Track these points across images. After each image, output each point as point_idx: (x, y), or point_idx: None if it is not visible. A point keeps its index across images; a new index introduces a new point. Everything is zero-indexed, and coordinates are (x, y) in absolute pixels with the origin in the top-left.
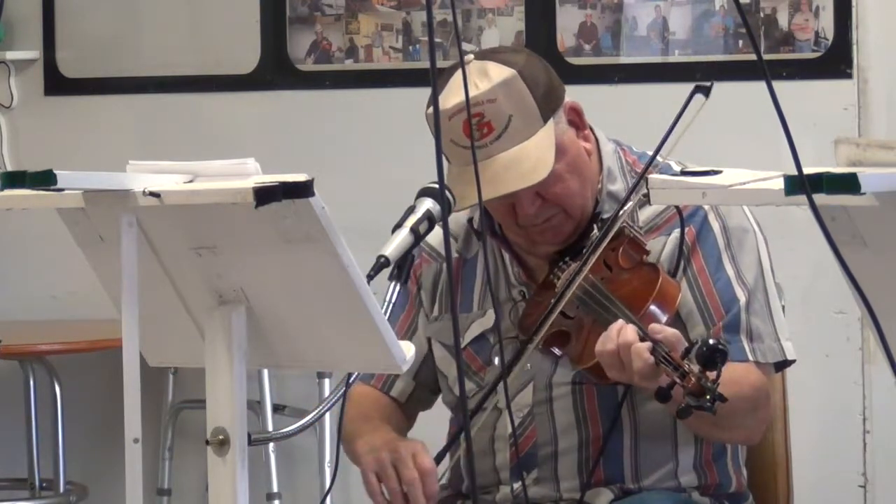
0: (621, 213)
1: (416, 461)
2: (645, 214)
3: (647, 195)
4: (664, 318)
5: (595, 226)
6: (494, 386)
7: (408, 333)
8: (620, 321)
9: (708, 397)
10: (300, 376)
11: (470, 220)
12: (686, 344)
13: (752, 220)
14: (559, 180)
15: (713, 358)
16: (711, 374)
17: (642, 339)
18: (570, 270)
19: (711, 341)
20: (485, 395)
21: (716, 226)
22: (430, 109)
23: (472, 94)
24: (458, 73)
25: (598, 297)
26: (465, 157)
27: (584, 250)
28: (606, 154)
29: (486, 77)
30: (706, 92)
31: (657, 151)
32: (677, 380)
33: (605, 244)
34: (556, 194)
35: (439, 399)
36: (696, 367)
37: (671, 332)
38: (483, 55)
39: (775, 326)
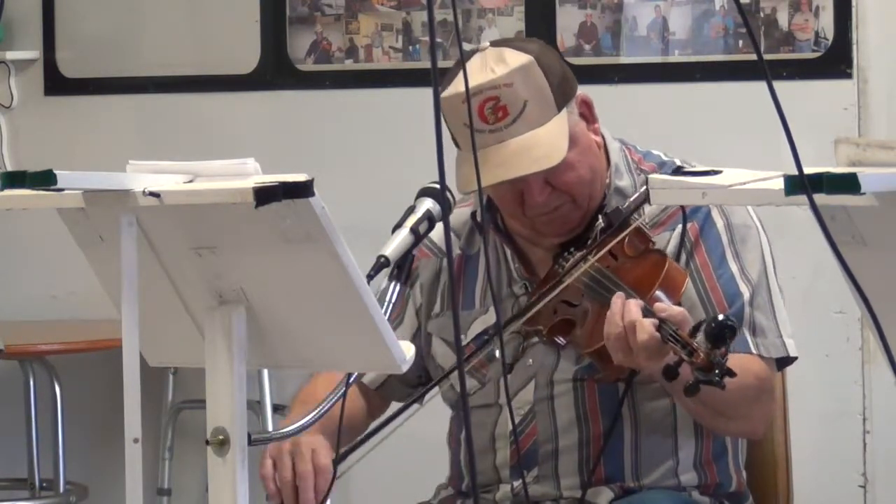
0: (631, 204)
1: (314, 456)
2: (649, 210)
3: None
4: (670, 303)
5: (601, 217)
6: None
7: (393, 324)
8: (620, 297)
9: (717, 371)
10: (300, 376)
11: (473, 213)
12: (692, 322)
13: (754, 217)
14: (570, 169)
15: (722, 334)
16: (720, 350)
17: (647, 317)
18: (575, 258)
19: (720, 317)
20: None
21: (719, 222)
22: (446, 93)
23: (488, 77)
24: (474, 58)
25: (604, 282)
26: (477, 140)
27: (590, 241)
28: (613, 151)
29: (503, 62)
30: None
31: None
32: (685, 357)
33: (619, 236)
34: (566, 182)
35: (439, 398)
36: (704, 344)
37: (677, 310)
38: (499, 43)
39: (778, 323)
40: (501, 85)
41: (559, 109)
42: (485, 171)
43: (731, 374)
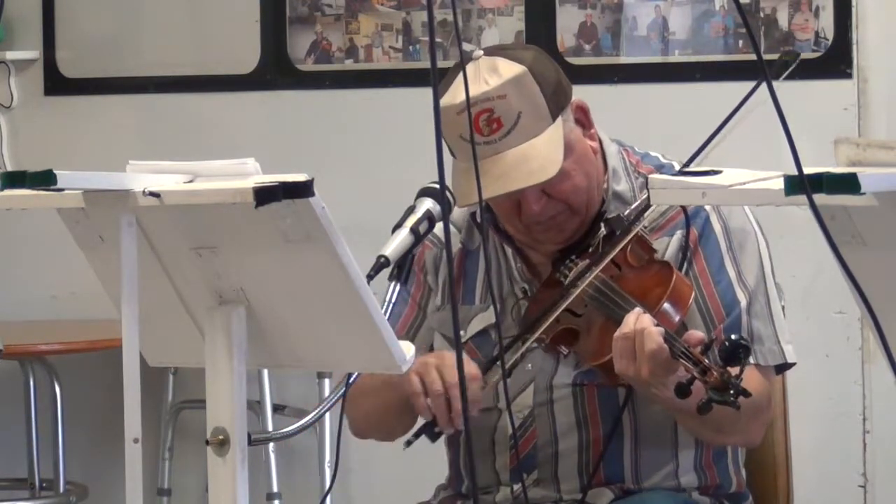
0: (633, 212)
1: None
2: (648, 215)
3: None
4: (677, 317)
5: (602, 224)
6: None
7: (415, 323)
8: (637, 310)
9: (731, 392)
10: (300, 376)
11: (473, 214)
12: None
13: (753, 221)
14: (566, 178)
15: (736, 353)
16: (733, 370)
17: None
18: (578, 268)
19: (734, 336)
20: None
21: (718, 227)
22: (442, 103)
23: (482, 90)
24: (467, 68)
25: (610, 294)
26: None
27: (591, 248)
28: (610, 154)
29: (496, 73)
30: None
31: (715, 133)
32: (698, 375)
33: (621, 244)
34: (562, 191)
35: None
36: (717, 363)
37: (691, 332)
38: (492, 51)
39: (776, 329)
40: (495, 97)
41: (553, 119)
42: (476, 185)
43: (746, 393)
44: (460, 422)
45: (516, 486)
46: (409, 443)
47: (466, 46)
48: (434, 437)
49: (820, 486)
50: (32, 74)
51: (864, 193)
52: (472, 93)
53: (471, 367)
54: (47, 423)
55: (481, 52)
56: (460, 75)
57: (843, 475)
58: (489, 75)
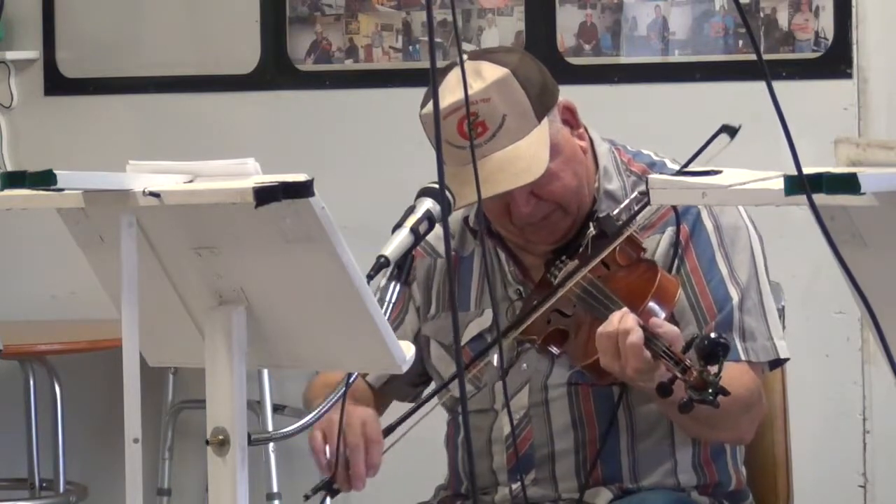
0: (623, 212)
1: (365, 429)
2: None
3: (644, 193)
4: (663, 314)
5: (591, 224)
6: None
7: (394, 324)
8: (624, 310)
9: (710, 391)
10: (300, 376)
11: (466, 219)
12: (684, 340)
13: (745, 218)
14: (554, 178)
15: (715, 352)
16: (712, 369)
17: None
18: (568, 268)
19: (713, 335)
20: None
21: (709, 224)
22: (424, 110)
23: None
24: (452, 73)
25: (596, 294)
26: (460, 157)
27: (581, 248)
28: (602, 154)
29: (480, 77)
30: (732, 133)
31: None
32: (678, 374)
33: (612, 245)
34: (551, 192)
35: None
36: (697, 362)
37: (671, 328)
38: (477, 55)
39: (768, 325)
40: (479, 100)
41: (539, 120)
42: (467, 189)
43: (725, 392)
44: (361, 484)
45: (514, 486)
46: (307, 497)
47: (466, 46)
48: (333, 494)
49: (820, 486)
50: (32, 74)
51: (864, 193)
52: (456, 96)
53: (371, 430)
54: (47, 423)
55: (465, 57)
56: (444, 80)
57: (843, 475)
58: (473, 79)
